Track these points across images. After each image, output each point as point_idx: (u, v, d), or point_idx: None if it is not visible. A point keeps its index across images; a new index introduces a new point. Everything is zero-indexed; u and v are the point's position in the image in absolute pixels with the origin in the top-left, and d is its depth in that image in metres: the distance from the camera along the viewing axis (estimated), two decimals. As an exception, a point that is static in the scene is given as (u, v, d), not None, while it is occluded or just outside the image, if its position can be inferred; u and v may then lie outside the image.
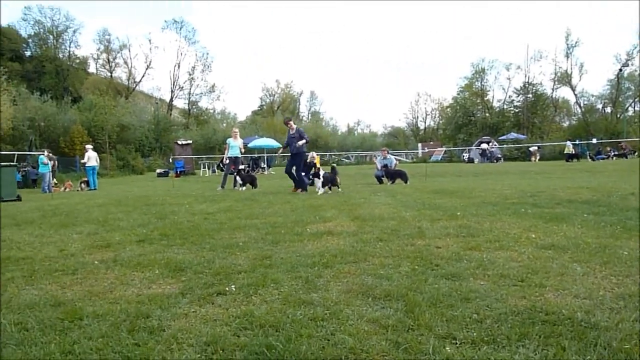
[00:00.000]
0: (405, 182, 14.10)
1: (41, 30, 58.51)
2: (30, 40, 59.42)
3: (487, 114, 56.19)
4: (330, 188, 11.36)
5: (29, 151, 27.29)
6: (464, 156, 39.99)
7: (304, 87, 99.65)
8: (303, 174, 15.34)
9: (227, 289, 3.29)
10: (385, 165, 15.12)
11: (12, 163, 16.96)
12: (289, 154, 12.90)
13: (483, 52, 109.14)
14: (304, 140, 12.20)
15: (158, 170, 31.94)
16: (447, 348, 2.23)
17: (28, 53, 59.43)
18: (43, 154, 19.10)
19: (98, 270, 4.02)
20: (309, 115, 79.50)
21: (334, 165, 13.93)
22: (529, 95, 53.08)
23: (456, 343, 2.30)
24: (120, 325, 2.65)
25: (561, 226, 5.37)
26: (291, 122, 12.79)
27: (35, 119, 36.51)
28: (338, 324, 2.58)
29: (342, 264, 3.93)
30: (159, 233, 5.81)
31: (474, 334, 2.38)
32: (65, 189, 20.23)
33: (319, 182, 11.13)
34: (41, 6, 57.58)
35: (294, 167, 12.40)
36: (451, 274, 3.48)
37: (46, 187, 18.53)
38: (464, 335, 2.38)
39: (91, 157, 20.00)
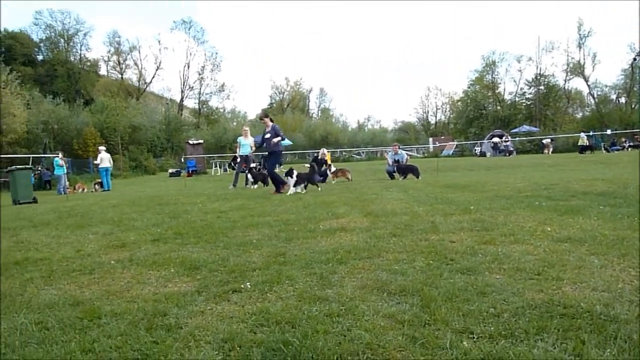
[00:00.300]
0: (417, 177, 14.05)
1: (52, 34, 59.36)
2: (42, 45, 60.29)
3: (499, 107, 55.76)
4: (305, 187, 10.75)
5: (44, 154, 27.64)
6: (475, 150, 39.76)
7: (313, 84, 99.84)
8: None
9: (242, 286, 3.31)
10: (397, 161, 15.07)
11: (27, 166, 17.17)
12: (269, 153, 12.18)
13: (493, 45, 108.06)
14: (278, 138, 11.46)
15: (170, 170, 32.20)
16: (465, 342, 2.22)
17: (40, 57, 60.30)
18: (58, 156, 19.32)
19: (114, 270, 4.07)
20: (319, 112, 79.62)
21: (313, 164, 13.18)
22: (541, 87, 52.57)
23: (473, 337, 2.29)
24: (138, 324, 2.68)
25: (577, 219, 5.31)
26: (266, 119, 11.95)
27: (49, 122, 37.03)
28: (354, 320, 2.58)
29: (356, 259, 3.93)
30: (173, 232, 5.86)
31: (491, 328, 2.37)
32: (82, 189, 20.44)
33: (291, 181, 10.46)
34: (52, 10, 58.32)
35: (274, 166, 11.85)
36: (466, 268, 3.46)
37: (62, 189, 18.78)
38: (481, 329, 2.36)
39: (104, 159, 20.21)
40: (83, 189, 20.60)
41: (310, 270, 3.65)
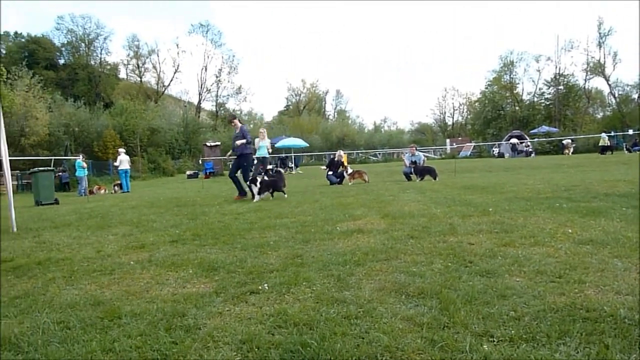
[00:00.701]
0: (434, 179, 13.94)
1: (74, 38, 60.53)
2: (63, 49, 61.55)
3: (517, 108, 55.09)
4: (272, 194, 10.38)
5: (65, 156, 28.15)
6: (493, 151, 39.34)
7: (329, 86, 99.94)
8: (330, 172, 15.42)
9: (260, 287, 3.32)
10: (414, 162, 14.98)
11: (49, 168, 17.50)
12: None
13: (511, 45, 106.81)
14: (243, 140, 10.81)
15: (188, 172, 32.50)
16: (485, 346, 2.19)
17: (62, 61, 61.57)
18: (79, 158, 19.63)
19: (134, 271, 4.12)
20: (335, 113, 79.63)
21: (280, 169, 12.67)
22: (560, 87, 51.78)
23: (493, 341, 2.26)
24: (157, 324, 2.71)
25: (599, 220, 5.21)
26: (235, 121, 11.39)
27: (70, 124, 37.71)
28: (372, 322, 2.56)
29: (374, 261, 3.92)
30: (191, 233, 5.91)
31: (512, 331, 2.33)
32: (104, 190, 20.75)
33: (255, 189, 10.01)
34: (73, 15, 59.51)
35: (240, 170, 11.21)
36: (486, 270, 3.42)
37: (82, 191, 19.08)
38: (502, 332, 2.33)
39: (123, 161, 20.48)
40: (104, 190, 20.89)
41: (328, 272, 3.65)
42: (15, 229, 7.33)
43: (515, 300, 2.77)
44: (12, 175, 8.33)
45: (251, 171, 11.36)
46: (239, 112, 67.09)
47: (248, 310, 2.89)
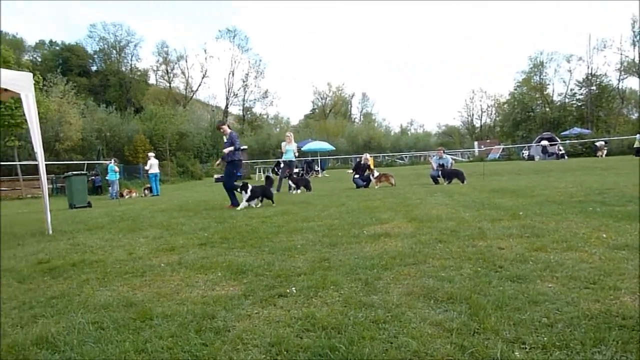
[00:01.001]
0: (463, 182, 13.75)
1: (105, 46, 62.31)
2: (95, 56, 63.42)
3: (547, 109, 53.92)
4: (261, 200, 10.16)
5: (97, 160, 28.92)
6: (523, 153, 38.50)
7: (355, 89, 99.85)
8: (357, 175, 15.40)
9: (287, 291, 3.34)
10: (442, 165, 14.82)
11: (82, 172, 18.01)
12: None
13: (541, 45, 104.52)
14: (230, 148, 10.38)
15: (216, 176, 32.84)
16: (517, 353, 2.16)
17: (94, 68, 63.43)
18: (112, 162, 20.11)
19: (164, 273, 4.19)
20: (361, 116, 79.43)
21: (269, 175, 12.32)
22: (592, 88, 50.38)
23: (525, 348, 2.22)
24: (188, 326, 2.75)
25: (634, 225, 5.05)
26: (224, 127, 10.82)
27: (102, 129, 38.79)
28: (400, 327, 2.55)
29: (402, 265, 3.89)
30: (219, 236, 5.99)
31: (545, 338, 2.29)
32: (134, 193, 21.18)
33: (245, 196, 9.74)
34: (105, 23, 61.23)
35: (231, 178, 10.74)
36: (516, 276, 3.36)
37: (114, 194, 19.53)
38: (534, 339, 2.28)
39: (153, 165, 20.90)
40: (134, 193, 21.33)
41: (355, 275, 3.65)
42: (50, 231, 7.56)
43: (547, 307, 2.71)
44: (47, 179, 8.59)
45: (277, 174, 11.26)
46: (265, 116, 67.75)
47: (276, 313, 2.91)
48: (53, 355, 2.49)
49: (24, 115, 7.84)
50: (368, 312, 2.80)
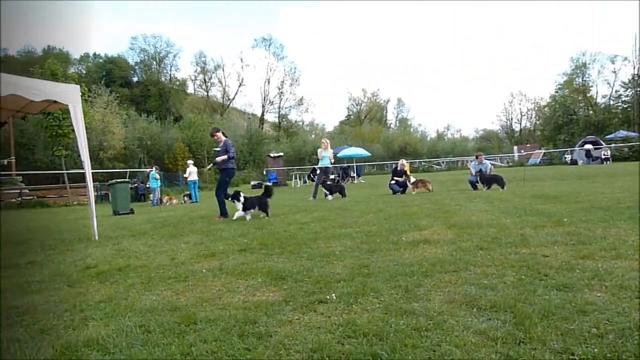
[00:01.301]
0: (502, 187, 13.43)
1: (146, 57, 64.42)
2: (136, 67, 65.72)
3: (591, 112, 52.16)
4: (261, 209, 9.53)
5: (139, 168, 29.83)
6: (566, 158, 37.35)
7: (391, 95, 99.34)
8: (393, 181, 15.28)
9: (327, 297, 3.35)
10: (480, 170, 14.53)
11: (125, 179, 18.60)
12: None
13: (583, 46, 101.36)
14: (224, 157, 10.04)
15: (252, 182, 33.36)
16: (566, 364, 2.09)
17: (135, 79, 65.73)
18: (153, 170, 20.67)
19: (206, 278, 4.28)
20: (397, 122, 78.97)
21: (268, 184, 11.41)
22: (639, 89, 48.34)
23: (575, 359, 2.15)
24: (230, 330, 2.80)
25: (689, 232, 4.81)
26: (218, 134, 10.48)
27: (143, 138, 40.04)
28: (443, 335, 2.52)
29: (442, 273, 3.84)
30: (258, 243, 6.06)
31: (595, 349, 2.21)
32: (174, 200, 21.69)
33: (238, 205, 9.32)
34: (145, 35, 63.36)
35: (223, 186, 10.41)
36: (563, 284, 3.26)
37: (155, 201, 20.06)
38: (583, 350, 2.21)
39: (192, 172, 21.35)
40: (174, 200, 21.83)
41: (395, 282, 3.62)
42: (97, 237, 7.83)
43: (596, 317, 2.62)
44: (92, 186, 8.92)
45: (313, 180, 11.17)
46: (300, 123, 68.26)
47: (317, 320, 2.93)
48: (104, 356, 2.58)
49: (71, 125, 8.16)
50: (409, 320, 2.78)
